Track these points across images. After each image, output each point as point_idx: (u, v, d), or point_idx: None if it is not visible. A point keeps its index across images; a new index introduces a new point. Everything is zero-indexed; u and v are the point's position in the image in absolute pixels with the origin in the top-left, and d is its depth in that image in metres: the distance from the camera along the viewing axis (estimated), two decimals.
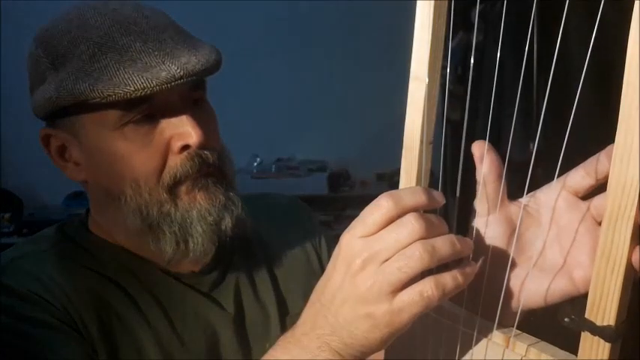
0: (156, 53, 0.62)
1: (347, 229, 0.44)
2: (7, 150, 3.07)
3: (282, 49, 3.05)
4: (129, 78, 0.60)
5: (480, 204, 0.49)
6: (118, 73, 0.61)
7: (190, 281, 0.71)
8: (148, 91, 0.60)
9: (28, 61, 0.68)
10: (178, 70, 0.61)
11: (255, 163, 3.18)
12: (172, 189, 0.65)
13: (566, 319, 0.39)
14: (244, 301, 0.74)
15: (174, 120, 0.65)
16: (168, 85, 0.60)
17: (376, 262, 0.42)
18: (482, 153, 0.47)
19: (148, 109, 0.64)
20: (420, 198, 0.43)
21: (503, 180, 0.48)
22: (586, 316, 0.38)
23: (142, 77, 0.60)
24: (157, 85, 0.60)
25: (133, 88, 0.60)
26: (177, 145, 0.65)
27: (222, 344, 0.71)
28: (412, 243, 0.41)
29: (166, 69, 0.61)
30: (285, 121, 3.11)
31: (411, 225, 0.41)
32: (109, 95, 0.60)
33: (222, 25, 2.77)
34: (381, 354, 0.50)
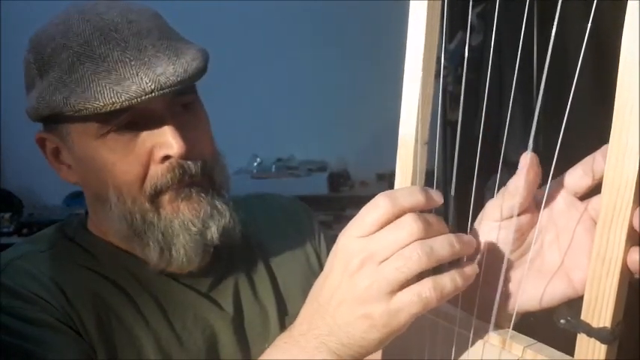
0: (132, 63, 0.61)
1: (344, 230, 0.44)
2: (7, 150, 3.08)
3: (282, 49, 3.04)
4: (100, 92, 0.60)
5: (493, 207, 0.48)
6: (91, 85, 0.60)
7: (189, 281, 0.71)
8: (117, 106, 0.60)
9: (23, 64, 0.69)
10: (150, 84, 0.60)
11: (255, 163, 3.18)
12: (154, 198, 0.65)
13: (562, 321, 0.39)
14: (243, 302, 0.74)
15: (155, 129, 0.64)
16: (138, 99, 0.60)
17: (374, 262, 0.42)
18: (527, 166, 0.44)
19: (129, 118, 0.63)
20: (417, 198, 0.42)
21: (530, 200, 0.46)
22: (582, 317, 0.38)
23: (113, 91, 0.60)
24: (126, 99, 0.60)
25: (102, 103, 0.60)
26: (158, 154, 0.64)
27: (221, 344, 0.71)
28: (411, 243, 0.41)
29: (138, 82, 0.60)
30: (285, 121, 3.11)
31: (409, 226, 0.41)
32: (80, 109, 0.60)
33: (222, 25, 2.77)
34: (378, 354, 0.50)
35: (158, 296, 0.69)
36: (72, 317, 0.62)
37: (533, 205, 0.47)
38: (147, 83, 0.60)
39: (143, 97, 0.60)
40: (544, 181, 0.47)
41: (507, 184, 0.46)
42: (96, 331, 0.63)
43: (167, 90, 0.61)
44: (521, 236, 0.47)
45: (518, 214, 0.46)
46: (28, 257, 0.67)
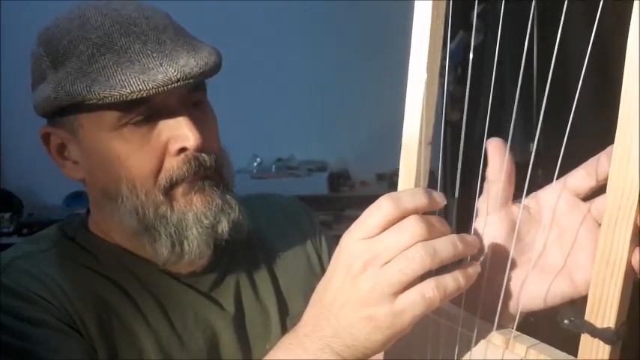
0: (154, 55, 0.62)
1: (347, 231, 0.44)
2: (7, 150, 3.08)
3: (283, 49, 3.05)
4: (126, 80, 0.60)
5: (483, 203, 0.48)
6: (115, 74, 0.61)
7: (190, 281, 0.71)
8: (144, 94, 0.60)
9: (31, 59, 0.68)
10: (175, 73, 0.61)
11: (255, 163, 3.18)
12: (168, 191, 0.65)
13: (565, 321, 0.39)
14: (244, 301, 0.74)
15: (171, 122, 0.65)
16: (165, 87, 0.60)
17: (377, 264, 0.42)
18: (495, 150, 0.47)
19: (146, 111, 0.64)
20: (420, 199, 0.42)
21: (511, 181, 0.48)
22: (586, 318, 0.38)
23: (139, 79, 0.60)
24: (153, 87, 0.60)
25: (129, 90, 0.60)
26: (174, 147, 0.65)
27: (222, 344, 0.71)
28: (413, 245, 0.41)
29: (163, 71, 0.61)
30: (285, 121, 3.11)
31: (412, 227, 0.41)
32: (105, 97, 0.60)
33: (222, 25, 2.76)
34: (380, 354, 0.50)
35: (159, 296, 0.69)
36: (73, 317, 0.62)
37: (536, 202, 0.48)
38: (172, 73, 0.61)
39: (170, 86, 0.60)
40: (548, 182, 0.47)
41: (487, 174, 0.47)
42: (97, 331, 0.63)
43: (191, 80, 0.62)
44: (513, 225, 0.47)
45: (509, 204, 0.48)
46: (29, 257, 0.67)
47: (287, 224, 0.85)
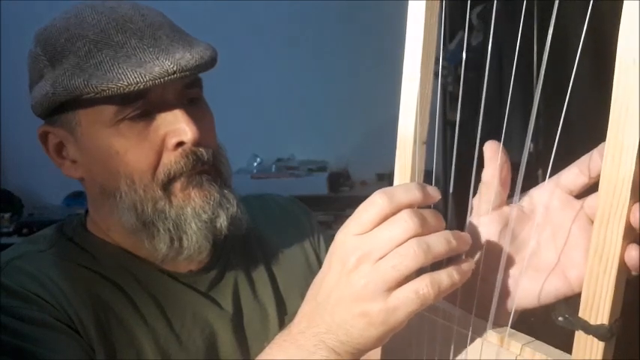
0: (151, 49, 0.63)
1: (341, 227, 0.44)
2: (7, 150, 3.08)
3: (283, 49, 3.05)
4: (122, 73, 0.61)
5: (478, 203, 0.48)
6: (112, 68, 0.61)
7: (188, 280, 0.71)
8: (141, 86, 0.61)
9: (28, 59, 0.69)
10: (172, 66, 0.61)
11: (255, 163, 3.18)
12: (167, 186, 0.66)
13: (560, 318, 0.39)
14: (242, 301, 0.74)
15: (169, 117, 0.65)
16: (162, 79, 0.61)
17: (370, 260, 0.42)
18: (492, 153, 0.47)
19: (143, 106, 0.64)
20: (414, 194, 0.42)
21: (505, 185, 0.48)
22: (579, 315, 0.38)
23: (136, 72, 0.61)
24: (149, 79, 0.60)
25: (126, 83, 0.60)
26: (171, 141, 0.65)
27: (221, 344, 0.71)
28: (407, 240, 0.41)
29: (160, 64, 0.61)
30: (285, 121, 3.11)
31: (405, 222, 0.41)
32: (103, 90, 0.61)
33: (222, 25, 2.77)
34: (377, 353, 0.50)
35: (157, 296, 0.69)
36: (71, 317, 0.62)
37: (529, 200, 0.48)
38: (169, 65, 0.61)
39: (166, 78, 0.61)
40: (544, 180, 0.47)
41: (482, 176, 0.47)
42: (95, 330, 0.63)
43: (187, 73, 0.62)
44: (507, 224, 0.48)
45: (503, 206, 0.48)
46: (28, 257, 0.67)
47: (285, 223, 0.85)
